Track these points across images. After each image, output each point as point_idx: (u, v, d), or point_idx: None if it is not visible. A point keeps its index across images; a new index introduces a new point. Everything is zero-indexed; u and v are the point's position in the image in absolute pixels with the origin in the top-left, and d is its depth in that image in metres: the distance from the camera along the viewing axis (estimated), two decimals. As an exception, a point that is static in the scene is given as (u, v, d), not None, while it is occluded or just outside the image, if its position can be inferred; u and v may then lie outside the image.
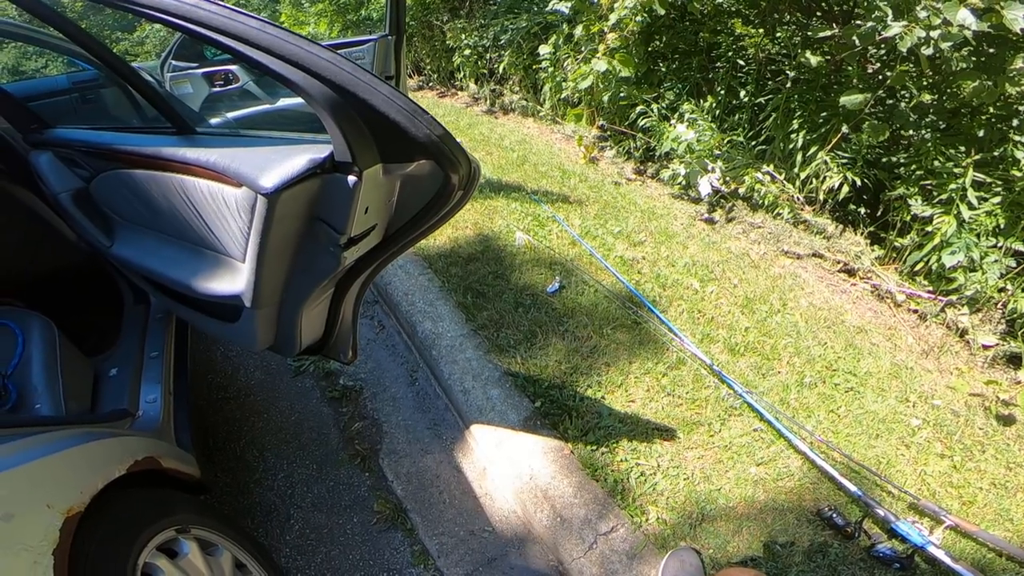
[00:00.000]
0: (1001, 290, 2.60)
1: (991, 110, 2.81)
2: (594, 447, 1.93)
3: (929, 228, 2.76)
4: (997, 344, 2.46)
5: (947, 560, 1.65)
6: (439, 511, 1.97)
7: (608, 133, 4.51)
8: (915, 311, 2.68)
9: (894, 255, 3.02)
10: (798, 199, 3.30)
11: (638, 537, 1.75)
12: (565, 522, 1.80)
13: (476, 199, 3.29)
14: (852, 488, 1.81)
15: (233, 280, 1.35)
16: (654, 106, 3.97)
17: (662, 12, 3.54)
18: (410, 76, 6.98)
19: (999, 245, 2.61)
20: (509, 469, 1.95)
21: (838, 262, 2.99)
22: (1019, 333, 2.54)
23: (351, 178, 1.12)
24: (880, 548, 1.70)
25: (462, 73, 6.20)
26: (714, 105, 3.75)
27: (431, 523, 1.95)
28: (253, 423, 2.19)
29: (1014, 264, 2.57)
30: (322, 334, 1.70)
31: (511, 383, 2.14)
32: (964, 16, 2.26)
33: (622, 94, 4.12)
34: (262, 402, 2.28)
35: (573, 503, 1.83)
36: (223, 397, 2.30)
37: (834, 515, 1.75)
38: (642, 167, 4.14)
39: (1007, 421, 2.21)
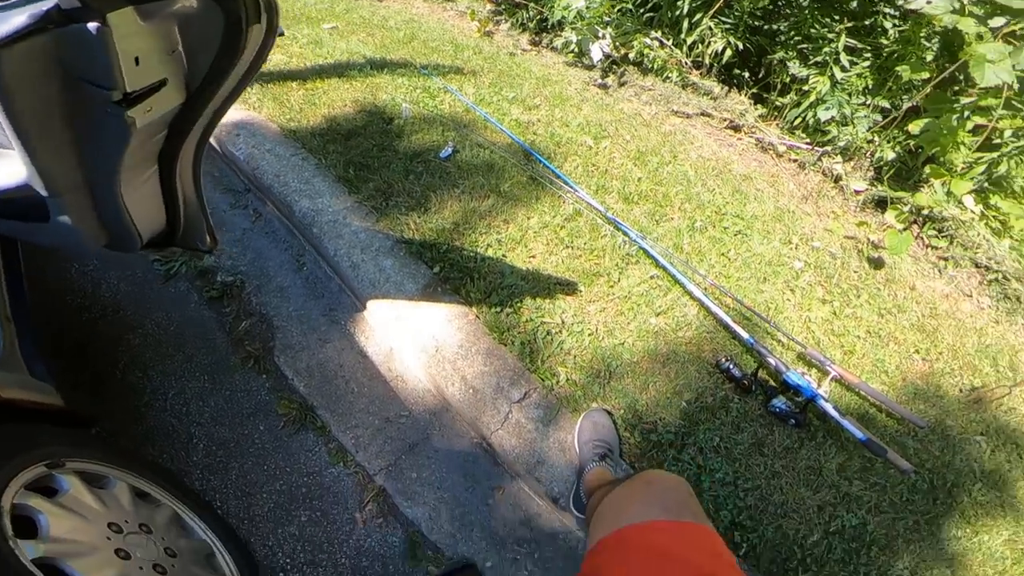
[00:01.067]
0: (869, 141, 2.83)
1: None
2: (498, 309, 1.87)
3: (806, 88, 2.96)
4: (866, 189, 2.65)
5: (835, 415, 1.79)
6: (349, 403, 1.85)
7: (503, 6, 4.19)
8: (795, 160, 2.85)
9: (775, 113, 3.20)
10: (686, 63, 3.34)
11: (551, 401, 1.75)
12: (479, 393, 1.76)
13: (355, 78, 2.92)
14: (745, 336, 1.90)
15: (11, 168, 1.14)
16: (545, -25, 3.71)
17: None
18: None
19: (867, 103, 2.87)
20: (414, 344, 1.85)
21: (724, 120, 3.09)
22: (884, 179, 2.76)
23: (92, 25, 0.94)
24: (776, 403, 1.81)
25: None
26: (602, -27, 3.57)
27: (342, 417, 1.82)
28: (129, 341, 1.89)
29: (880, 119, 2.82)
30: (166, 221, 1.47)
31: (405, 251, 1.99)
32: None
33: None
34: (134, 316, 1.97)
35: (484, 372, 1.79)
36: (89, 318, 1.95)
37: (731, 367, 1.83)
38: (537, 38, 3.92)
39: (877, 264, 2.41)
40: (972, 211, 2.61)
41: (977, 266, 2.51)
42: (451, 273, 1.95)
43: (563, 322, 1.86)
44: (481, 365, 1.80)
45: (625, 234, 2.09)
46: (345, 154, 2.23)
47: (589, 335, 1.85)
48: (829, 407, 1.79)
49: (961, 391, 2.11)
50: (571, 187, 2.19)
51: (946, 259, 2.52)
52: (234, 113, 2.30)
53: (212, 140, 2.24)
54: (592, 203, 2.16)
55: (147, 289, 2.06)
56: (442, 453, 1.81)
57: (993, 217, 2.72)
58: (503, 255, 2.00)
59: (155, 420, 1.73)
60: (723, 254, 2.17)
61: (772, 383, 1.87)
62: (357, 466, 1.72)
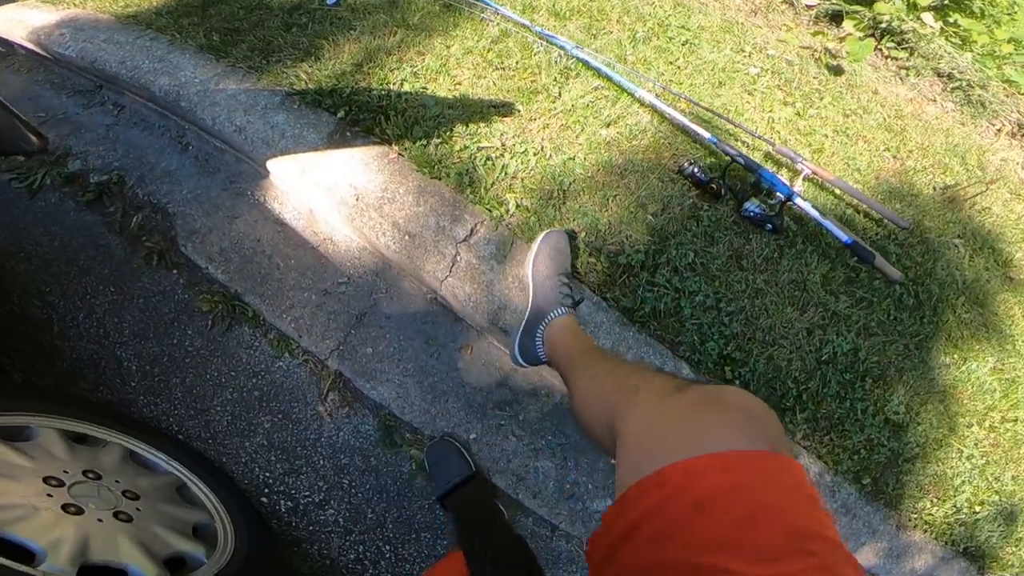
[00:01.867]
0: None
1: None
2: (424, 142, 1.55)
3: None
4: (818, 3, 2.41)
5: (815, 215, 1.59)
6: (278, 281, 1.57)
7: None
8: (741, -25, 2.54)
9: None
10: None
11: (502, 234, 1.47)
12: (417, 239, 1.45)
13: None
14: (707, 136, 1.66)
15: None
16: None
17: None
18: None
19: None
20: (331, 198, 1.51)
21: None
22: (836, -8, 2.52)
23: None
24: (749, 207, 1.59)
25: None
26: None
27: (274, 299, 1.54)
28: (13, 269, 1.50)
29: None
30: None
31: (299, 102, 1.61)
32: None
33: None
34: (10, 241, 1.56)
35: (418, 213, 1.48)
36: (-46, 260, 1.55)
37: (695, 170, 1.59)
38: None
39: (837, 71, 2.20)
40: (931, 27, 2.44)
41: (939, 75, 2.36)
42: (360, 115, 1.59)
43: (503, 145, 1.56)
44: (413, 206, 1.49)
45: (561, 48, 1.77)
46: (204, 24, 1.77)
47: (535, 155, 1.56)
48: (807, 206, 1.59)
49: (935, 190, 1.98)
50: (493, 7, 1.83)
51: (907, 68, 2.35)
52: (49, 14, 1.83)
53: (36, 46, 1.84)
54: (520, 20, 1.82)
55: (14, 210, 1.63)
56: (394, 319, 1.54)
57: (953, 33, 2.57)
58: (422, 88, 1.65)
59: (74, 351, 1.45)
60: (671, 63, 1.90)
61: (741, 186, 1.65)
62: (305, 353, 1.50)
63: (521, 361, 1.28)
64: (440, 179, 1.51)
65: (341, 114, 1.60)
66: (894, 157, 1.96)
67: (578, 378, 0.86)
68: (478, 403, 1.51)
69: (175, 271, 1.57)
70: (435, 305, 1.56)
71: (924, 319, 1.71)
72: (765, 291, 1.56)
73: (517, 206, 1.49)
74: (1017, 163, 2.21)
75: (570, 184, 1.53)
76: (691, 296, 1.50)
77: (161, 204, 1.65)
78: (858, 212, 1.77)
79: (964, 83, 2.29)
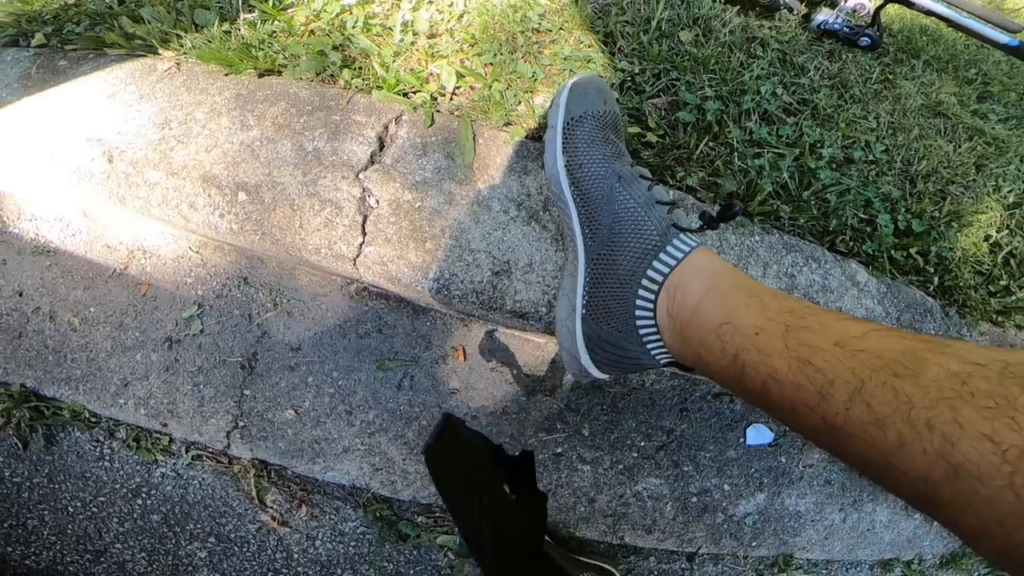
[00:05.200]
0: None
1: None
2: (225, 27, 0.77)
3: None
4: None
5: (953, 14, 0.98)
6: (83, 352, 0.83)
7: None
8: None
9: None
10: None
11: (447, 124, 0.69)
12: (270, 192, 0.65)
13: None
14: None
15: None
16: None
17: None
18: None
19: None
20: (63, 174, 0.68)
21: None
22: None
23: None
24: (824, 19, 0.98)
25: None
26: None
27: (92, 383, 0.81)
28: None
29: None
30: None
31: None
32: None
33: None
34: None
35: (254, 142, 0.67)
36: None
37: None
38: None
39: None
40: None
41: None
42: (75, 28, 0.81)
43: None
44: (236, 132, 0.68)
45: None
46: None
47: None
48: (933, 2, 0.98)
49: None
50: None
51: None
52: None
53: None
54: None
55: None
56: (308, 347, 0.81)
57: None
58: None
59: None
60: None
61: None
62: (188, 446, 0.82)
63: (596, 372, 0.54)
64: (278, 73, 0.72)
65: (39, 39, 0.79)
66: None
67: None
68: (509, 435, 0.75)
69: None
70: (371, 299, 0.74)
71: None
72: (902, 125, 0.91)
73: (459, 75, 0.73)
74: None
75: (540, 20, 0.80)
76: (816, 150, 0.80)
77: None
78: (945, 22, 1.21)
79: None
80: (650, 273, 0.48)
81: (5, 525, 0.83)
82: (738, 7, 0.95)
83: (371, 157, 0.66)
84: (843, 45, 0.99)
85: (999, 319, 0.85)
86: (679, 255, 0.48)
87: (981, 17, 1.05)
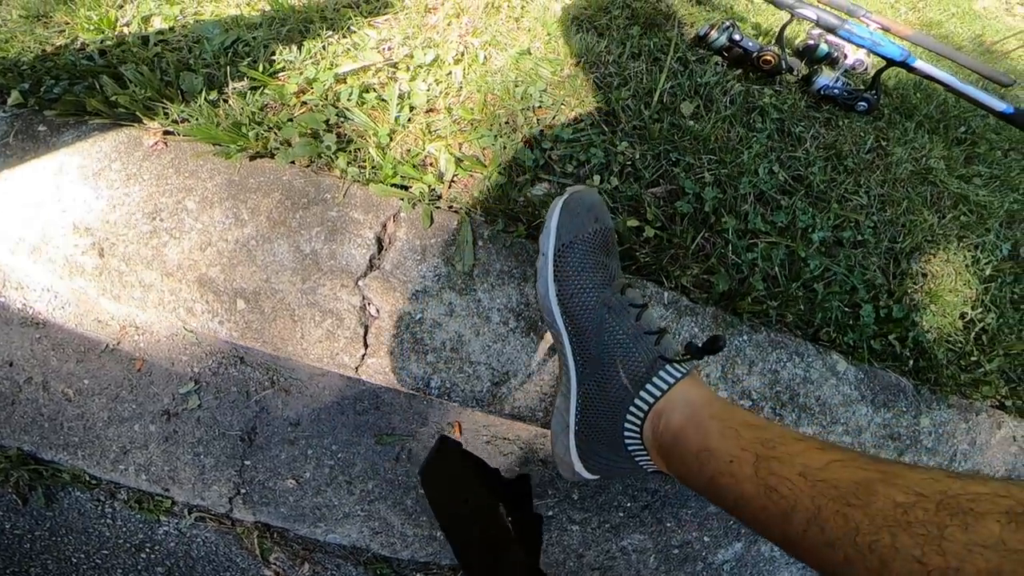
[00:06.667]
0: None
1: None
2: (215, 96, 0.73)
3: None
4: None
5: (951, 80, 0.98)
6: (80, 421, 0.83)
7: None
8: None
9: None
10: None
11: (447, 223, 0.69)
12: (269, 299, 0.64)
13: None
14: None
15: None
16: None
17: None
18: None
19: None
20: (46, 264, 0.66)
21: None
22: None
23: None
24: (824, 82, 0.97)
25: None
26: None
27: (91, 449, 0.82)
28: None
29: None
30: None
31: None
32: None
33: None
34: None
35: (249, 240, 0.66)
36: None
37: (736, 37, 0.92)
38: None
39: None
40: None
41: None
42: (55, 87, 0.76)
43: (390, 60, 0.78)
44: (231, 228, 0.66)
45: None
46: None
47: (457, 62, 0.80)
48: (934, 70, 0.98)
49: (968, 43, 1.49)
50: None
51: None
52: None
53: None
54: None
55: None
56: (308, 422, 0.83)
57: None
58: (187, 16, 0.84)
59: None
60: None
61: (792, 56, 1.01)
62: (191, 509, 0.83)
63: (589, 476, 0.59)
64: (271, 156, 0.70)
65: (15, 97, 0.74)
66: (911, 9, 1.46)
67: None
68: (516, 470, 0.75)
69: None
70: (353, 389, 0.75)
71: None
72: (891, 197, 0.94)
73: (458, 161, 0.71)
74: (999, 9, 1.84)
75: (541, 95, 0.78)
76: (806, 236, 0.82)
77: None
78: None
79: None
80: (637, 402, 0.52)
81: (7, 572, 0.85)
82: (740, 71, 0.94)
83: (370, 261, 0.66)
84: (841, 110, 0.99)
85: (968, 391, 0.90)
86: (664, 387, 0.51)
87: (974, 70, 1.06)
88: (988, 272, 0.96)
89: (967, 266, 0.95)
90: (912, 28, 1.10)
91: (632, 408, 0.52)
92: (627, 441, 0.53)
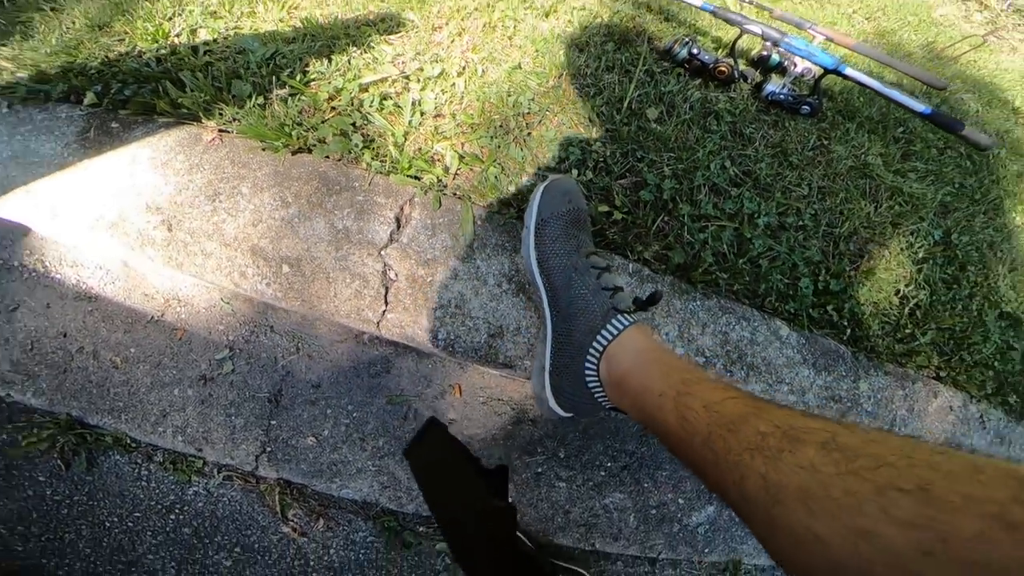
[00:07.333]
0: None
1: None
2: (261, 100, 0.89)
3: None
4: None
5: (876, 84, 1.11)
6: (125, 386, 0.95)
7: None
8: None
9: None
10: None
11: (452, 209, 0.85)
12: (308, 265, 0.80)
13: None
14: (699, 2, 1.16)
15: None
16: None
17: None
18: None
19: None
20: (122, 238, 0.81)
21: None
22: None
23: None
24: (772, 89, 1.13)
25: None
26: None
27: (133, 413, 0.94)
28: None
29: None
30: None
31: (12, 100, 0.91)
32: None
33: None
34: None
35: (293, 219, 0.81)
36: None
37: (695, 51, 1.08)
38: None
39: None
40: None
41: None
42: (125, 90, 0.91)
43: (403, 72, 0.94)
44: (277, 209, 0.82)
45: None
46: None
47: (459, 74, 0.96)
48: (863, 76, 1.13)
49: (919, 49, 1.65)
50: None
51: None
52: None
53: None
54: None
55: None
56: (327, 385, 0.96)
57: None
58: (232, 29, 1.00)
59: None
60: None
61: (745, 65, 1.17)
62: (220, 468, 0.96)
63: (560, 412, 0.72)
64: (308, 151, 0.86)
65: (90, 98, 0.90)
66: (865, 19, 1.61)
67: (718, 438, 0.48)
68: (497, 457, 0.96)
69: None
70: (381, 345, 0.91)
71: (987, 181, 1.35)
72: (831, 189, 1.09)
73: (460, 157, 0.87)
74: (958, 16, 1.99)
75: (529, 103, 0.94)
76: (752, 221, 0.98)
77: None
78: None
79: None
80: (595, 344, 0.66)
81: (42, 539, 0.95)
82: (699, 80, 1.10)
83: (390, 236, 0.82)
84: (787, 113, 1.15)
85: (904, 361, 1.04)
86: (615, 332, 0.65)
87: (910, 75, 1.21)
88: (921, 255, 1.11)
89: (902, 249, 1.10)
90: (855, 39, 1.26)
91: (591, 351, 0.66)
92: (587, 378, 0.66)
